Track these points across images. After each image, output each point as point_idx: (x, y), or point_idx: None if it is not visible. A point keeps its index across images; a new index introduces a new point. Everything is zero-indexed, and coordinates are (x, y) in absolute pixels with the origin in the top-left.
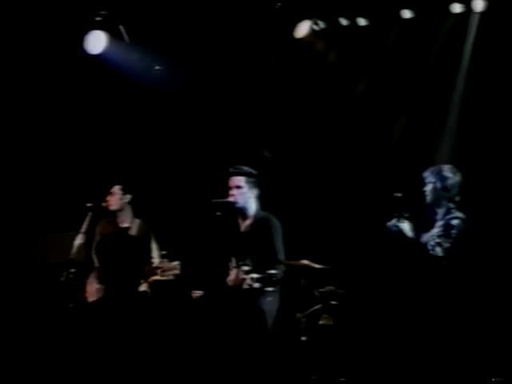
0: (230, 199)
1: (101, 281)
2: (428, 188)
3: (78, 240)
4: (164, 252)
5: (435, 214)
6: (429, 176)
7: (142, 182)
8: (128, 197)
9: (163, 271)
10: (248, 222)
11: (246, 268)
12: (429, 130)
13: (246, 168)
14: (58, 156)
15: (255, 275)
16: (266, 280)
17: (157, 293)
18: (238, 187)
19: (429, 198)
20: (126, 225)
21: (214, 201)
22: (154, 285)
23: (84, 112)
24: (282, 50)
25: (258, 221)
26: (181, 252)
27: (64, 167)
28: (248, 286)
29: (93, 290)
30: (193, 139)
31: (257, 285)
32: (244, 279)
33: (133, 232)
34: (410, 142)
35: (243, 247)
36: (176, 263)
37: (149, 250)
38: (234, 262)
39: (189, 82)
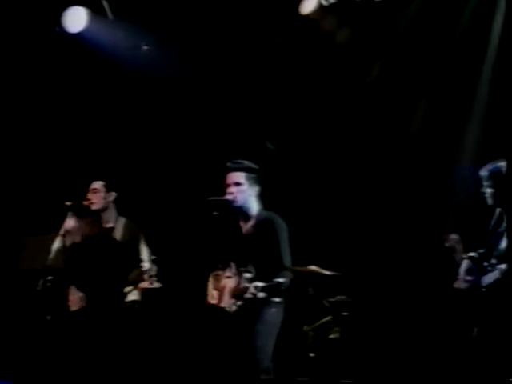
0: (228, 197)
1: (78, 287)
2: (489, 191)
3: (57, 243)
4: (154, 257)
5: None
6: (488, 176)
7: (127, 178)
8: (112, 194)
9: (152, 276)
10: (250, 223)
11: (248, 275)
12: (452, 118)
13: (245, 162)
14: (31, 148)
15: (259, 283)
16: (271, 289)
17: (146, 303)
18: (237, 184)
19: (490, 201)
20: (110, 224)
21: (209, 199)
22: (144, 294)
23: (61, 99)
24: (285, 28)
25: (261, 222)
26: (173, 257)
27: (39, 161)
28: (251, 296)
29: (76, 298)
30: (186, 130)
31: (261, 294)
32: (246, 288)
33: (118, 232)
34: (431, 133)
35: (244, 251)
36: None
37: (137, 253)
38: (234, 269)
39: (182, 65)
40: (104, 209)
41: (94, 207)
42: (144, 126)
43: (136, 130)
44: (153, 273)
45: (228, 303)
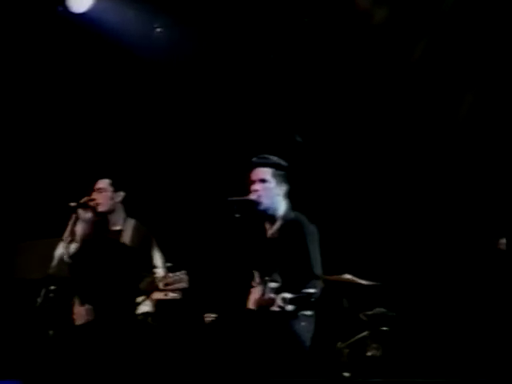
0: (253, 197)
1: (83, 299)
2: None
3: (60, 249)
4: (169, 264)
5: None
6: None
7: (137, 175)
8: (120, 194)
9: (166, 285)
10: (276, 225)
11: (273, 285)
12: (504, 108)
13: (272, 157)
14: (29, 142)
15: (287, 294)
16: (300, 301)
17: (160, 315)
18: (263, 181)
19: None
20: (118, 227)
21: (231, 199)
22: (157, 305)
23: (61, 88)
24: (316, 7)
25: (289, 224)
26: (190, 264)
27: (38, 156)
28: (277, 309)
29: (82, 310)
30: (204, 121)
31: (289, 307)
32: (272, 299)
33: (127, 236)
34: (481, 123)
35: (270, 258)
36: (182, 274)
37: (149, 259)
38: (258, 277)
39: (200, 50)
40: (111, 210)
41: (99, 208)
42: (156, 117)
43: (146, 122)
44: (170, 280)
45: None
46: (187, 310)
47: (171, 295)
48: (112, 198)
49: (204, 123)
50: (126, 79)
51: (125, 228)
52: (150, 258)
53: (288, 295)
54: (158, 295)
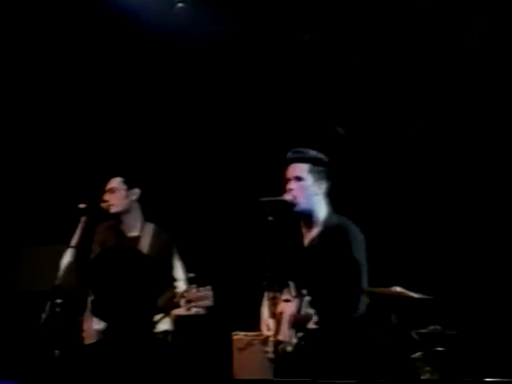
0: (287, 197)
1: (97, 316)
2: None
3: (67, 257)
4: (191, 275)
5: None
6: None
7: (154, 172)
8: (135, 192)
9: (189, 301)
10: (315, 231)
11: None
12: None
13: (310, 152)
14: (33, 138)
15: None
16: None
17: (181, 334)
18: (299, 179)
19: None
20: (135, 233)
21: (263, 200)
22: (177, 322)
23: (70, 74)
24: None
25: (330, 230)
26: (215, 275)
27: (42, 153)
28: (315, 326)
29: (92, 328)
30: (231, 111)
31: None
32: (309, 315)
33: (145, 243)
34: None
35: (307, 268)
36: (206, 290)
37: (169, 270)
38: (293, 290)
39: (228, 29)
40: (126, 211)
41: (113, 210)
42: (175, 104)
43: (163, 112)
44: (192, 297)
45: (286, 334)
46: (212, 327)
47: (194, 310)
48: (126, 197)
49: (232, 113)
50: (142, 61)
51: (143, 234)
52: (171, 269)
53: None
54: (179, 310)
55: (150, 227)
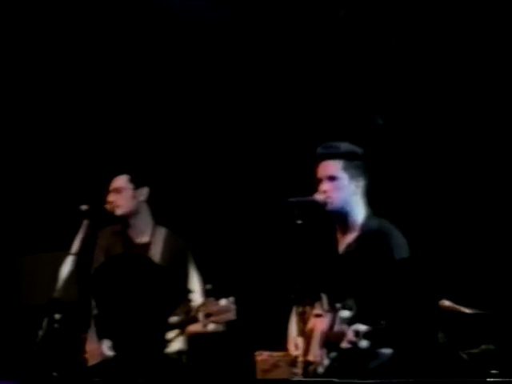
0: (318, 197)
1: (102, 334)
2: None
3: (67, 266)
4: (208, 286)
5: None
6: None
7: (165, 168)
8: (144, 192)
9: (209, 315)
10: (351, 236)
11: (346, 314)
12: None
13: (343, 145)
14: (30, 135)
15: (361, 326)
16: (378, 335)
17: (197, 354)
18: (333, 179)
19: None
20: (144, 239)
21: (291, 200)
22: (193, 340)
23: (72, 66)
24: None
25: (369, 235)
26: (236, 287)
27: (40, 150)
28: (349, 345)
29: (95, 348)
30: (254, 100)
31: (364, 343)
32: (343, 333)
33: (156, 250)
34: None
35: (342, 278)
36: (228, 302)
37: (184, 281)
38: (325, 303)
39: (254, 6)
40: (133, 213)
41: (118, 212)
42: (191, 95)
43: (177, 101)
44: (213, 309)
45: (317, 354)
46: (233, 346)
47: (212, 327)
48: (134, 197)
49: (255, 102)
50: (154, 41)
51: (153, 240)
52: (185, 280)
53: (362, 327)
54: (195, 327)
55: (161, 232)
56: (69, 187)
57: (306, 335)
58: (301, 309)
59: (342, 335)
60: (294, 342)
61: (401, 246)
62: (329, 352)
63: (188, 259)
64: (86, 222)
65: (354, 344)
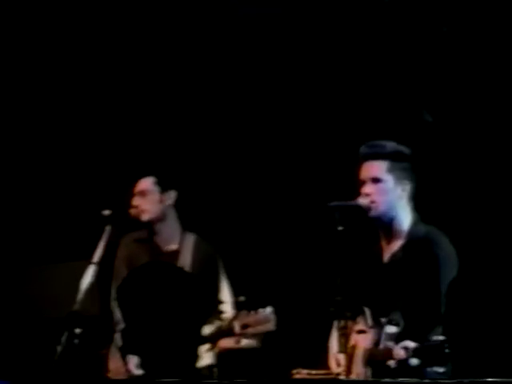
0: (362, 202)
1: (126, 349)
2: None
3: (88, 276)
4: (242, 298)
5: None
6: None
7: (194, 169)
8: (171, 195)
9: (245, 326)
10: (397, 243)
11: (393, 329)
12: None
13: (389, 144)
14: (50, 137)
15: (410, 343)
16: (429, 352)
17: (230, 369)
18: (377, 181)
19: None
20: (172, 246)
21: (332, 204)
22: (223, 356)
23: (90, 64)
24: None
25: (416, 242)
26: (271, 299)
27: (59, 149)
28: (394, 364)
29: (119, 366)
30: (294, 96)
31: (414, 361)
32: (390, 350)
33: (185, 258)
34: None
35: (388, 290)
36: (267, 312)
37: (215, 292)
38: (369, 318)
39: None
40: (160, 218)
41: (144, 217)
42: (223, 91)
43: (206, 98)
44: (250, 320)
45: (361, 373)
46: (268, 363)
47: (245, 343)
48: (160, 201)
49: (292, 98)
50: (177, 51)
51: (182, 247)
52: (216, 290)
53: (412, 344)
54: (227, 342)
55: (190, 239)
56: (90, 191)
57: (349, 352)
58: (342, 323)
59: (388, 353)
60: (335, 358)
61: (449, 255)
62: (373, 370)
63: (219, 268)
64: (108, 229)
65: (402, 360)
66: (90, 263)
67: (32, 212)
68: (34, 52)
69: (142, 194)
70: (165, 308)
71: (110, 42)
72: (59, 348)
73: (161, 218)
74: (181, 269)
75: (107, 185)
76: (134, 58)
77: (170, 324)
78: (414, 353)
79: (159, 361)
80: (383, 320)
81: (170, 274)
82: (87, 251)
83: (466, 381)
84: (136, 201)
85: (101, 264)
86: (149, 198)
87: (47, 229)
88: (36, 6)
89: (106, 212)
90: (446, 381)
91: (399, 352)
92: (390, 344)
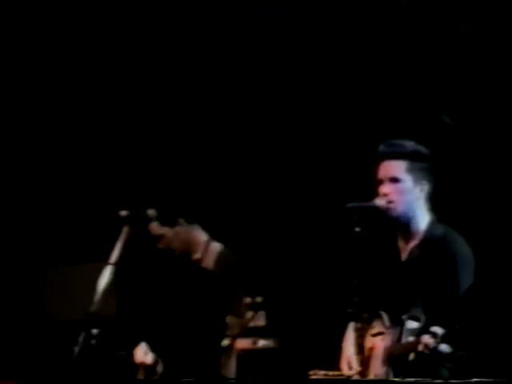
0: (379, 203)
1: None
2: None
3: (106, 277)
4: (259, 299)
5: None
6: None
7: (212, 173)
8: None
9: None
10: (414, 242)
11: (414, 325)
12: None
13: (410, 144)
14: (64, 135)
15: (438, 329)
16: (459, 337)
17: (245, 372)
18: (396, 180)
19: None
20: (195, 255)
21: (350, 206)
22: (242, 358)
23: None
24: None
25: (433, 241)
26: (288, 300)
27: (75, 146)
28: (426, 351)
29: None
30: (313, 96)
31: (445, 348)
32: (413, 344)
33: (209, 265)
34: None
35: (406, 288)
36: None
37: (240, 298)
38: (386, 320)
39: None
40: None
41: None
42: (236, 96)
43: (225, 106)
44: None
45: (380, 373)
46: (284, 364)
47: (262, 343)
48: None
49: (313, 97)
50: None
51: (205, 256)
52: (241, 298)
53: (440, 330)
54: (244, 343)
55: (215, 248)
56: (107, 192)
57: (365, 355)
58: (359, 325)
59: (410, 345)
60: (348, 361)
61: (466, 255)
62: (396, 370)
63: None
64: (125, 230)
65: (431, 350)
66: (107, 264)
67: (49, 213)
68: (34, 54)
69: None
70: (185, 310)
71: (111, 43)
72: (76, 349)
73: None
74: (203, 275)
75: (124, 185)
76: (144, 57)
77: (193, 327)
78: (443, 339)
79: (179, 362)
80: (404, 317)
81: (196, 277)
82: (104, 252)
83: (472, 381)
84: None
85: (118, 265)
86: None
87: (65, 230)
88: (36, 6)
89: (124, 213)
90: (448, 381)
91: (428, 340)
92: (412, 339)
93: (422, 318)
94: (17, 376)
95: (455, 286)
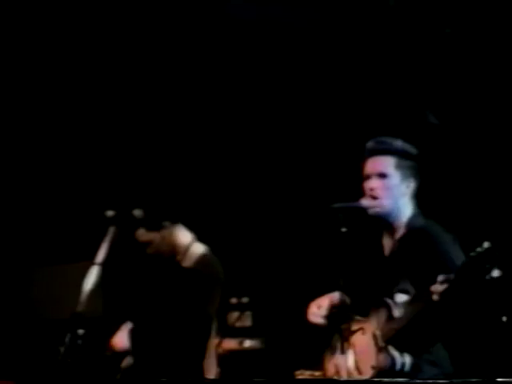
0: (365, 203)
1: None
2: None
3: (92, 277)
4: (245, 299)
5: None
6: None
7: (198, 173)
8: None
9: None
10: (397, 236)
11: (403, 297)
12: None
13: (398, 142)
14: (51, 136)
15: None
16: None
17: (232, 373)
18: (383, 176)
19: None
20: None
21: (334, 206)
22: (225, 359)
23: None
24: None
25: (412, 233)
26: (274, 300)
27: (60, 149)
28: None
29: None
30: (297, 95)
31: (496, 273)
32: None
33: (188, 267)
34: None
35: (391, 279)
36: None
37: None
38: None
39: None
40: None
41: None
42: (233, 98)
43: (221, 106)
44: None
45: (381, 361)
46: (271, 364)
47: (249, 344)
48: None
49: (297, 99)
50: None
51: (184, 258)
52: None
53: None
54: (230, 344)
55: (197, 249)
56: (93, 192)
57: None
58: (345, 325)
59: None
60: (334, 363)
61: (447, 240)
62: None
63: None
64: (112, 230)
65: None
66: (93, 264)
67: (35, 213)
68: (35, 55)
69: None
70: (169, 311)
71: (113, 45)
72: (62, 349)
73: None
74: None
75: (111, 186)
76: (144, 59)
77: (176, 327)
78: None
79: (163, 362)
80: (394, 290)
81: (179, 276)
82: (91, 252)
83: (473, 380)
84: None
85: (104, 265)
86: None
87: (50, 230)
88: (36, 6)
89: (110, 213)
90: (448, 381)
91: (437, 288)
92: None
93: (411, 289)
94: (11, 376)
95: (448, 261)
